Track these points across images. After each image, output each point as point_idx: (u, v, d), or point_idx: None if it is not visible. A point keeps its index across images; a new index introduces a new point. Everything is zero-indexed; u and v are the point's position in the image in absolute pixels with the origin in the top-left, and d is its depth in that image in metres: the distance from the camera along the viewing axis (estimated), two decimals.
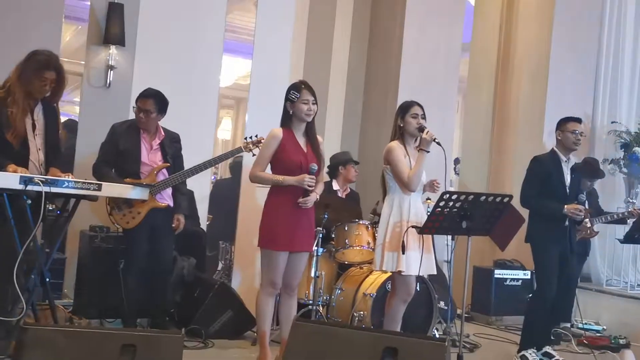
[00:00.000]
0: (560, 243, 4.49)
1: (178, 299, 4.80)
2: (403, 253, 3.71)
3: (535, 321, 4.57)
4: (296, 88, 3.79)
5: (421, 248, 3.72)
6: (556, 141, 4.68)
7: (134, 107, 4.32)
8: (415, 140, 4.05)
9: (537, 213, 4.58)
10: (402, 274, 3.84)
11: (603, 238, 6.58)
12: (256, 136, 4.31)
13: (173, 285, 4.73)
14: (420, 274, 3.80)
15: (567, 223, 4.50)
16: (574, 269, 5.71)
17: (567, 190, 4.55)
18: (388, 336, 2.86)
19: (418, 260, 3.81)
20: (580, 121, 4.69)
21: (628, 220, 5.68)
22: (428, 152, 3.91)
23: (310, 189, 3.71)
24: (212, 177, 8.69)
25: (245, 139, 4.36)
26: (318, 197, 3.84)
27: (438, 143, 3.88)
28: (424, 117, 4.02)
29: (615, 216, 5.72)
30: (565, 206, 4.44)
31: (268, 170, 3.88)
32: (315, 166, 3.74)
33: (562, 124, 4.67)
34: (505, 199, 3.36)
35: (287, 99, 3.80)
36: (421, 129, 3.97)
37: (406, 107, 4.06)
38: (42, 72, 3.59)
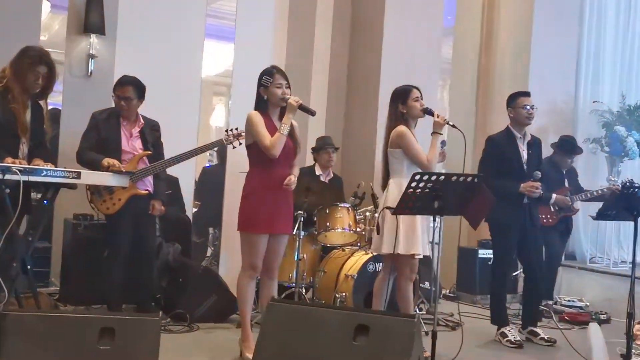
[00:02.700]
0: (519, 221, 4.55)
1: (164, 285, 4.87)
2: (378, 234, 3.78)
3: (500, 297, 4.71)
4: (268, 73, 3.82)
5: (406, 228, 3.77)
6: (510, 118, 4.67)
7: (113, 96, 4.35)
8: (415, 124, 4.10)
9: (495, 193, 4.63)
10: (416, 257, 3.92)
11: (587, 216, 6.65)
12: (237, 129, 4.34)
13: (158, 271, 4.79)
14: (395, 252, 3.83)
15: (526, 200, 4.54)
16: (553, 246, 5.79)
17: (525, 167, 4.58)
18: (360, 314, 2.93)
19: (423, 241, 3.92)
20: (529, 94, 4.67)
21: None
22: (441, 134, 3.98)
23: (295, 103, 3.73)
24: (207, 165, 8.73)
25: (226, 131, 4.39)
26: (295, 179, 3.87)
27: (453, 125, 3.94)
28: (422, 98, 4.07)
29: (595, 193, 5.78)
30: (521, 185, 4.48)
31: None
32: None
33: (512, 100, 4.64)
34: (476, 179, 3.41)
35: (260, 84, 3.83)
36: (429, 111, 4.00)
37: (405, 91, 4.05)
38: (35, 67, 3.70)
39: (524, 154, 4.60)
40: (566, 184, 5.86)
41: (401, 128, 3.98)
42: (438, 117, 3.92)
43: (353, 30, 6.77)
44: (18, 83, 3.69)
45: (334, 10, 6.68)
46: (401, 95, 4.05)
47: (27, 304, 3.87)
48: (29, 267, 3.64)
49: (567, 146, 5.88)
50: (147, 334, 2.94)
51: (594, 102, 6.97)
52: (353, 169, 6.45)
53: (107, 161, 4.11)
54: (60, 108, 5.28)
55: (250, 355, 3.79)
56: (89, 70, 5.18)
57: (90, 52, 5.16)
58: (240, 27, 5.84)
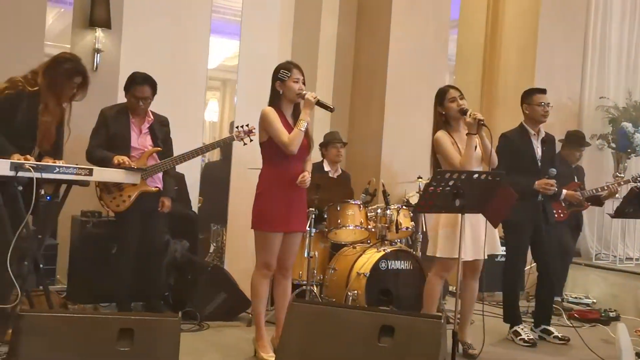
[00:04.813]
0: (533, 218, 4.51)
1: (171, 282, 4.80)
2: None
3: (513, 295, 4.68)
4: (286, 67, 3.75)
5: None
6: (524, 115, 4.62)
7: (126, 94, 4.25)
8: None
9: None
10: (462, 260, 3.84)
11: (592, 213, 6.63)
12: (247, 125, 4.27)
13: (166, 268, 4.73)
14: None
15: (539, 197, 4.51)
16: (566, 242, 5.74)
17: (539, 164, 4.54)
18: (384, 315, 2.88)
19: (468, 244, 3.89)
20: (545, 91, 4.62)
21: (617, 195, 5.71)
22: (475, 134, 3.87)
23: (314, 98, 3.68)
24: (202, 160, 8.70)
25: (237, 127, 4.32)
26: (309, 176, 3.81)
27: (484, 124, 3.83)
28: (462, 98, 4.01)
29: (600, 190, 5.73)
30: (536, 182, 4.44)
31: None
32: None
33: (528, 96, 4.60)
34: (497, 177, 3.36)
35: (276, 78, 3.75)
36: (463, 111, 3.94)
37: (442, 93, 4.06)
38: (73, 79, 3.65)
39: (538, 151, 4.56)
40: (575, 180, 5.82)
41: (437, 135, 4.00)
42: (469, 116, 3.83)
43: (360, 23, 6.70)
44: (53, 95, 3.61)
45: (340, 2, 6.61)
46: (439, 97, 4.06)
47: (37, 302, 3.81)
48: (40, 265, 3.57)
49: (574, 139, 5.83)
50: (167, 335, 2.87)
51: (600, 97, 6.93)
52: (358, 165, 6.39)
53: (117, 159, 4.04)
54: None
55: (264, 355, 3.75)
56: (95, 65, 5.10)
57: (96, 46, 5.09)
58: (246, 22, 5.76)
